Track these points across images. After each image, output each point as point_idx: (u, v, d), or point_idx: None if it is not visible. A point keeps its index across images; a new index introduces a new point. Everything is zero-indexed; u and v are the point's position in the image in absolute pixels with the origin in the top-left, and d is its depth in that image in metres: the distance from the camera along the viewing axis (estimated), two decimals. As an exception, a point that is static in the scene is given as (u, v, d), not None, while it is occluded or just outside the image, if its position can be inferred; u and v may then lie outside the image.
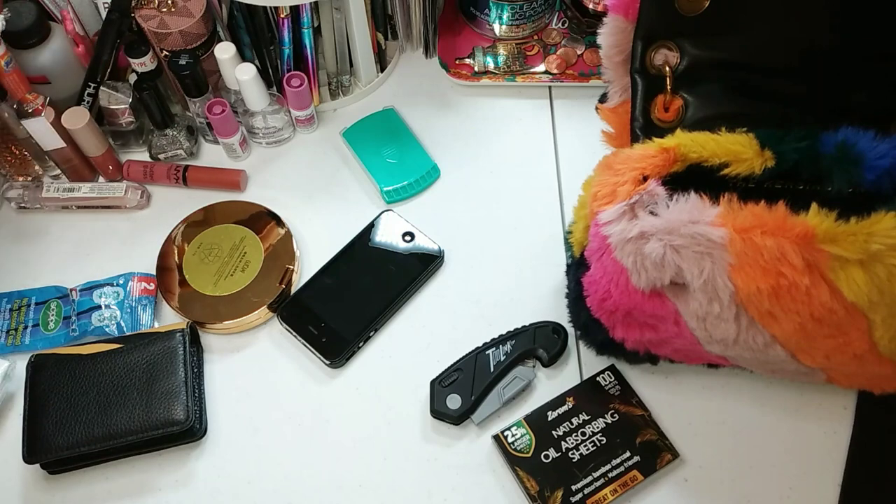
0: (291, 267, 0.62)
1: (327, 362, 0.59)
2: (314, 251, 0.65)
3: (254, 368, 0.60)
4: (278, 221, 0.64)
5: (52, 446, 0.54)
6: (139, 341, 0.57)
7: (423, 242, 0.64)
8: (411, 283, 0.62)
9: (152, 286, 0.62)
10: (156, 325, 0.61)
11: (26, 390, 0.55)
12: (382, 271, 0.63)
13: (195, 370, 0.58)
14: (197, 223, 0.64)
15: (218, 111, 0.65)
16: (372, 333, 0.61)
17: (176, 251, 0.63)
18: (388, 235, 0.64)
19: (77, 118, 0.63)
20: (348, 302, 0.61)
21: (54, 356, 0.57)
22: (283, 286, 0.61)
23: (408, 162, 0.69)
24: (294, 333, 0.60)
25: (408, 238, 0.64)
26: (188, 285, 0.61)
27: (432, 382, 0.58)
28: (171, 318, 0.62)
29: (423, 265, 0.63)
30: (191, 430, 0.55)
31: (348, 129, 0.71)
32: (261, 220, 0.64)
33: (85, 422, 0.54)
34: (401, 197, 0.67)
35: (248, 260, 0.62)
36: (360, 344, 0.60)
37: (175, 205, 0.67)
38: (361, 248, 0.64)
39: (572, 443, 0.55)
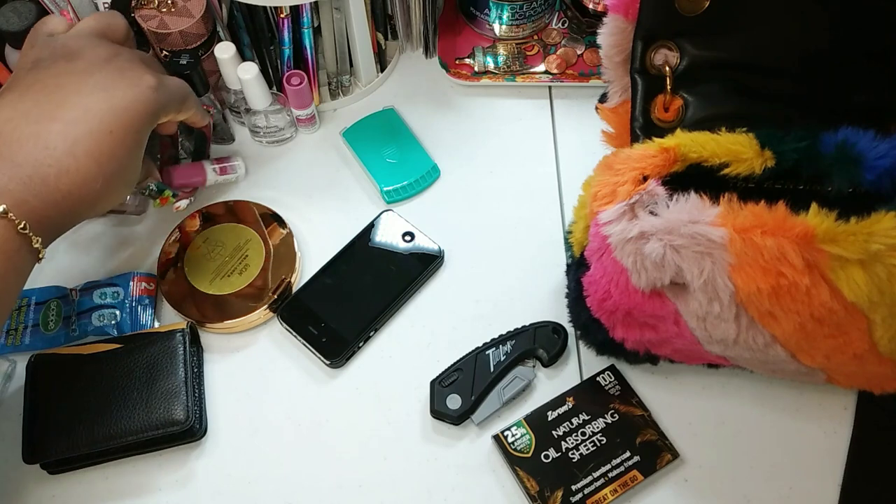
0: (289, 278, 0.62)
1: (327, 362, 0.59)
2: (314, 251, 0.65)
3: (254, 368, 0.60)
4: (281, 223, 0.64)
5: (52, 446, 0.54)
6: (139, 341, 0.57)
7: (423, 242, 0.64)
8: (411, 283, 0.62)
9: (152, 286, 0.62)
10: (156, 324, 0.61)
11: (26, 390, 0.55)
12: (382, 271, 0.63)
13: (195, 370, 0.58)
14: (198, 223, 0.64)
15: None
16: (372, 333, 0.61)
17: (177, 247, 0.63)
18: (388, 235, 0.64)
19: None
20: (348, 302, 0.61)
21: (54, 356, 0.57)
22: (275, 296, 0.60)
23: (408, 162, 0.69)
24: (294, 333, 0.60)
25: (408, 238, 0.64)
26: (186, 280, 0.61)
27: (432, 382, 0.58)
28: (171, 318, 0.62)
29: (423, 265, 0.63)
30: (191, 430, 0.55)
31: (348, 129, 0.71)
32: (265, 221, 0.64)
33: (85, 422, 0.54)
34: (401, 197, 0.67)
35: (248, 263, 0.62)
36: (360, 344, 0.60)
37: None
38: (361, 248, 0.64)
39: (572, 443, 0.55)
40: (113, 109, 0.47)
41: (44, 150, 0.44)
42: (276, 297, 0.60)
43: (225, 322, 0.60)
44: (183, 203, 0.64)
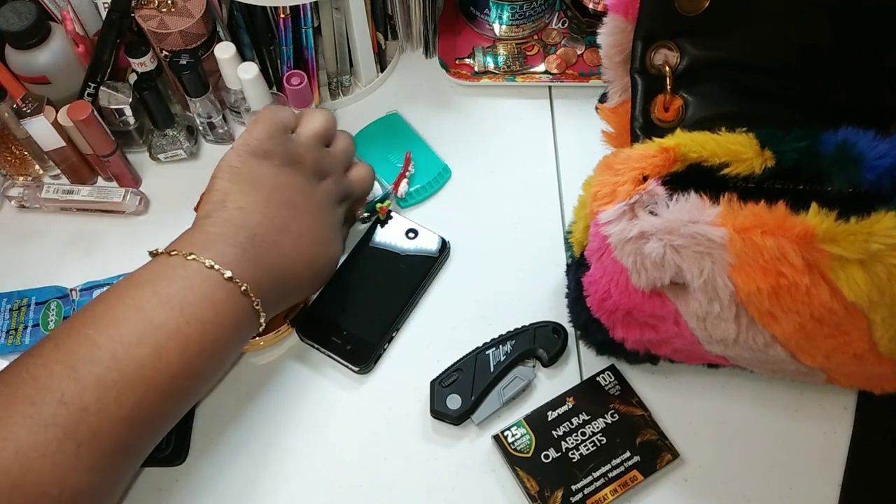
0: (302, 302, 0.61)
1: (355, 369, 0.59)
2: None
3: (254, 370, 0.60)
4: None
5: None
6: None
7: (428, 236, 0.64)
8: (425, 277, 0.62)
9: (152, 286, 0.62)
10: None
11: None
12: (393, 271, 0.62)
13: None
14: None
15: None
16: (395, 333, 0.61)
17: None
18: (392, 236, 0.64)
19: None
20: (366, 307, 0.61)
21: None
22: (288, 322, 0.60)
23: (418, 165, 0.68)
24: (317, 346, 0.60)
25: (412, 235, 0.64)
26: None
27: (432, 382, 0.58)
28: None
29: (432, 259, 0.63)
30: (166, 459, 0.55)
31: (354, 137, 0.70)
32: None
33: None
34: (414, 201, 0.67)
35: None
36: (385, 346, 0.60)
37: (176, 208, 0.67)
38: (368, 251, 0.64)
39: (572, 443, 0.55)
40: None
41: (280, 257, 0.53)
42: (287, 322, 0.60)
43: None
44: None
